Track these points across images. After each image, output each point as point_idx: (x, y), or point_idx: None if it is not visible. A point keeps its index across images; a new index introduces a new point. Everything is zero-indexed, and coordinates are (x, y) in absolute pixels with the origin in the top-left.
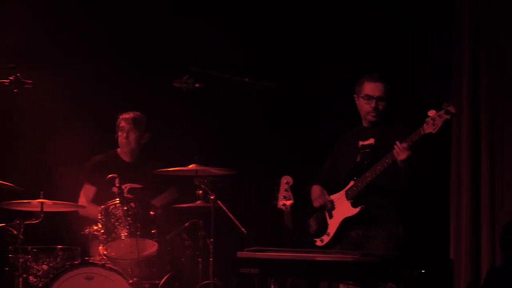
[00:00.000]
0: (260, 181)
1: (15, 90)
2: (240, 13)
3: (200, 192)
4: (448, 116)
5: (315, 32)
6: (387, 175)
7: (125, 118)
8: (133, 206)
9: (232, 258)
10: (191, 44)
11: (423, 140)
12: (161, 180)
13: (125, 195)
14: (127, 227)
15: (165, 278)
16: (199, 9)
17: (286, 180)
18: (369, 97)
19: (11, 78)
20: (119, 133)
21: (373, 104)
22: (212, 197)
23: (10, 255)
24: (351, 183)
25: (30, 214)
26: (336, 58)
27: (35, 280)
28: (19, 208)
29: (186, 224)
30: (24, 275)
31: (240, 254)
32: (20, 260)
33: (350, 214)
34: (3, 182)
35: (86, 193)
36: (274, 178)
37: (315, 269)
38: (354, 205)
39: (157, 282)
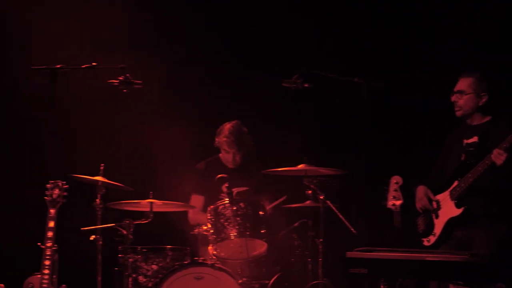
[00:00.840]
0: (368, 181)
1: (124, 90)
2: (348, 13)
3: (309, 192)
4: None
5: (422, 32)
6: (488, 175)
7: (227, 142)
8: (243, 206)
9: (341, 258)
10: (300, 44)
11: None
12: (268, 181)
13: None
14: (237, 227)
15: (274, 278)
16: (308, 10)
17: (395, 180)
18: (452, 93)
19: (120, 78)
20: (224, 153)
21: (453, 99)
22: (321, 197)
23: (120, 255)
24: (455, 183)
25: (140, 214)
26: (443, 57)
27: (144, 280)
28: (129, 208)
29: (296, 224)
30: (134, 275)
31: (349, 254)
32: (130, 260)
33: (454, 215)
34: (113, 182)
35: (195, 203)
36: (383, 178)
37: (424, 269)
38: (457, 205)
39: (266, 282)
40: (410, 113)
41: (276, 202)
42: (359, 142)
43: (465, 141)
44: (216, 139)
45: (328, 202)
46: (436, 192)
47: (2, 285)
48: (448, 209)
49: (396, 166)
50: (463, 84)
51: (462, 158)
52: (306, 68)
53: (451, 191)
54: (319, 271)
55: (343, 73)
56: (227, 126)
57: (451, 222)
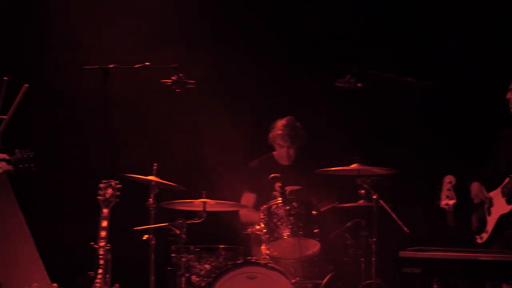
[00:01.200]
0: (421, 180)
1: (178, 90)
2: (403, 12)
3: (363, 191)
4: None
5: (477, 32)
6: None
7: (281, 135)
8: (295, 205)
9: (394, 258)
10: (354, 43)
11: None
12: (321, 180)
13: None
14: (290, 226)
15: (327, 277)
16: (360, 9)
17: (449, 180)
18: (508, 89)
19: (173, 78)
20: (278, 148)
21: (509, 95)
22: (374, 197)
23: (173, 255)
24: (507, 179)
25: (193, 214)
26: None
27: (197, 279)
28: (182, 208)
29: (349, 224)
30: (187, 275)
31: (402, 253)
32: (183, 259)
33: (505, 211)
34: (166, 182)
35: (247, 200)
36: (436, 177)
37: (478, 269)
38: (508, 202)
39: (319, 281)
40: (463, 112)
41: (325, 207)
42: (412, 142)
43: None
44: (270, 135)
45: (381, 201)
46: (490, 190)
47: (55, 284)
48: (499, 206)
49: (450, 165)
50: None
51: None
52: (359, 68)
53: (502, 187)
54: (372, 271)
55: (397, 73)
56: (281, 121)
57: (502, 219)
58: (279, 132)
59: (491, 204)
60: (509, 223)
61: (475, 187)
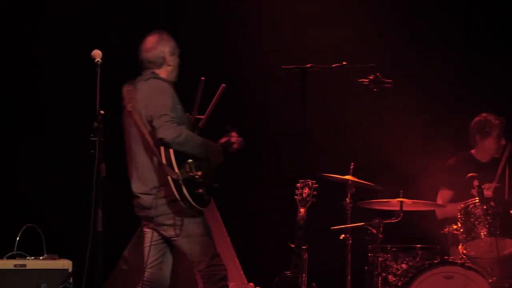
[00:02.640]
0: None
1: (375, 90)
2: None
3: None
4: None
5: None
6: None
7: (493, 124)
8: (493, 205)
9: None
10: None
11: None
12: None
13: (485, 195)
14: (487, 226)
15: None
16: None
17: None
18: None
19: (370, 77)
20: (485, 139)
21: None
22: None
23: (369, 254)
24: None
25: (390, 213)
26: None
27: (394, 279)
28: (378, 207)
29: None
30: (383, 274)
31: None
32: (380, 259)
33: None
34: (363, 182)
35: (443, 196)
36: None
37: None
38: None
39: None
40: None
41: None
42: None
43: None
44: (474, 124)
45: None
46: None
47: (251, 284)
48: None
49: None
50: None
51: None
52: None
53: None
54: None
55: None
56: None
57: None
58: (490, 118)
59: None
60: None
61: None
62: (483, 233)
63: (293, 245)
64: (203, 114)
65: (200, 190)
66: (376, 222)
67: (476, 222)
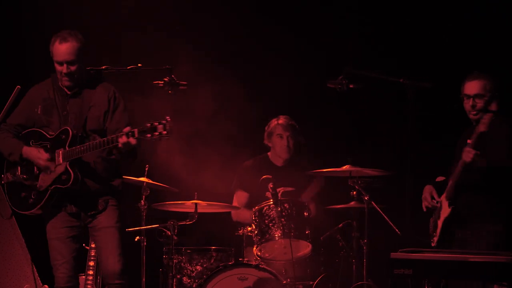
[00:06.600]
0: (414, 182)
1: (170, 92)
2: (395, 12)
3: (354, 193)
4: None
5: (470, 30)
6: (471, 174)
7: (282, 125)
8: (287, 207)
9: (385, 259)
10: (346, 44)
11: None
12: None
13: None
14: (281, 228)
15: (318, 279)
16: (353, 10)
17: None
18: (467, 97)
19: (165, 79)
20: (277, 140)
21: (470, 103)
22: (366, 198)
23: (164, 256)
24: (450, 182)
25: (185, 215)
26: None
27: (189, 280)
28: (174, 209)
29: (340, 225)
30: (178, 276)
31: (394, 255)
32: (175, 261)
33: (446, 215)
34: (157, 183)
35: (239, 199)
36: (428, 179)
37: (468, 270)
38: (449, 204)
39: (311, 283)
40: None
41: (315, 190)
42: (404, 144)
43: (468, 141)
44: (267, 130)
45: (373, 203)
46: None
47: (46, 286)
48: (445, 209)
49: (442, 167)
50: (477, 87)
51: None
52: (352, 69)
53: (446, 191)
54: (363, 272)
55: (394, 74)
56: (279, 116)
57: (446, 222)
58: (280, 121)
59: (440, 207)
60: (454, 226)
61: (425, 190)
62: (277, 235)
63: (88, 247)
64: None
65: None
66: (170, 224)
67: (270, 224)
